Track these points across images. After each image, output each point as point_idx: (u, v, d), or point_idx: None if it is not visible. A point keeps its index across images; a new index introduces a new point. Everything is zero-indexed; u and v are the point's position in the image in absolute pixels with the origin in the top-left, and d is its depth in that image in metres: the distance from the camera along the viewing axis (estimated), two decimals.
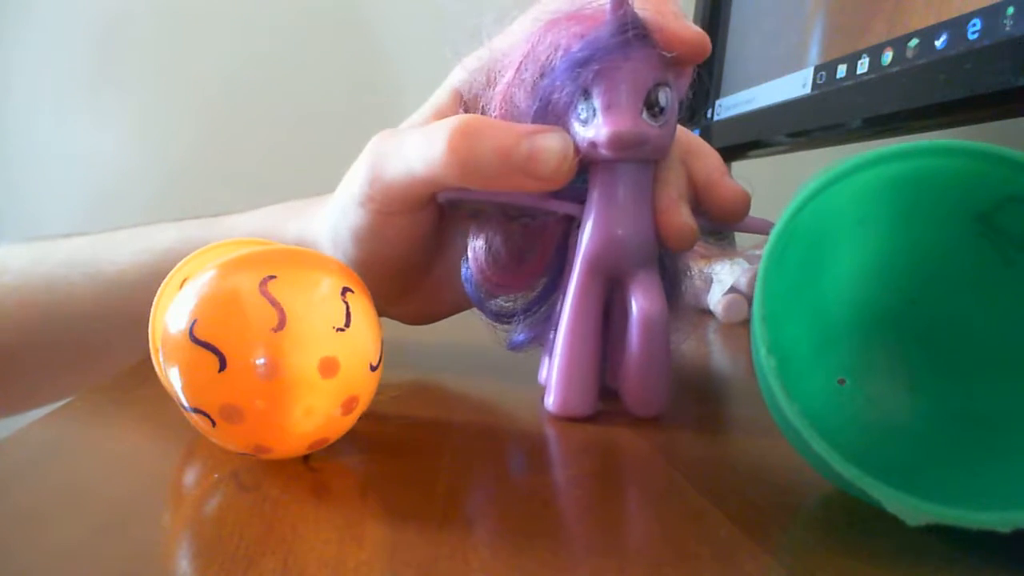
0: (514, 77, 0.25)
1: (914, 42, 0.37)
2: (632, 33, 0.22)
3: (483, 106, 0.27)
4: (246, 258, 0.20)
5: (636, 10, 0.22)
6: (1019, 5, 0.31)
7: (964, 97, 0.33)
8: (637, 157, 0.23)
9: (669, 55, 0.23)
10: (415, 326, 0.34)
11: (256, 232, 0.34)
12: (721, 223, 0.27)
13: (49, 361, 0.39)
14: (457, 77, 0.29)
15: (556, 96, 0.23)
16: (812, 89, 0.47)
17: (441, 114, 0.29)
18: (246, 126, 0.91)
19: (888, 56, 0.39)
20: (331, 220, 0.30)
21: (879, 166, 0.18)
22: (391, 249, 0.29)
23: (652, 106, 0.23)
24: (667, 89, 0.23)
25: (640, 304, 0.24)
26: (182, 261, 0.24)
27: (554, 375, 0.25)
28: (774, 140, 0.53)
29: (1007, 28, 0.31)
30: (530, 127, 0.23)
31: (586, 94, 0.23)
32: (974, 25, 0.33)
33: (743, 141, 0.56)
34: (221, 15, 0.90)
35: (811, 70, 0.47)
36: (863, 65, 0.41)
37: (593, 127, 0.23)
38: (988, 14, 0.32)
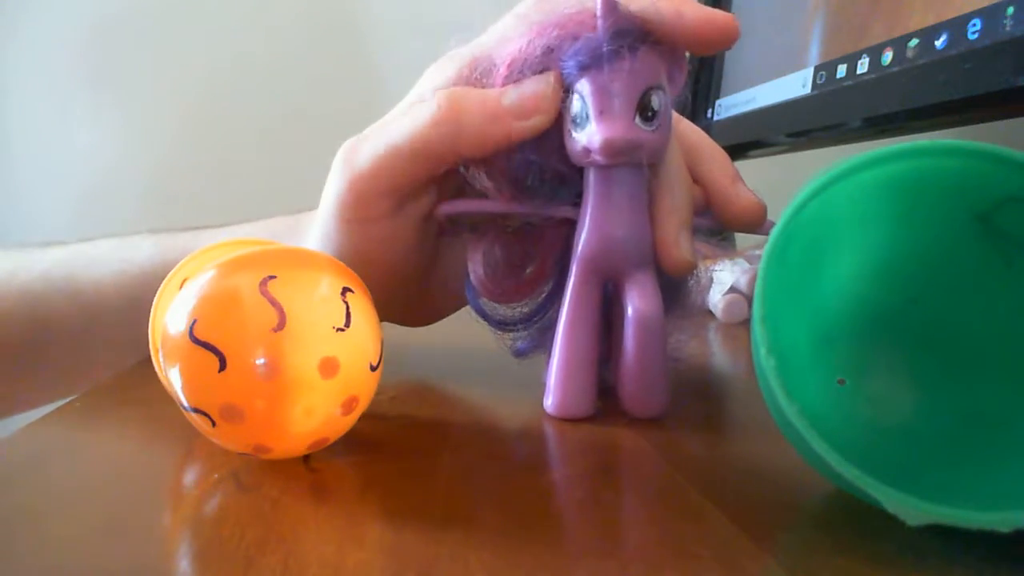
0: (505, 80, 0.25)
1: (914, 42, 0.37)
2: (626, 41, 0.22)
3: None
4: (246, 258, 0.20)
5: (632, 10, 0.22)
6: (1019, 5, 0.31)
7: (964, 97, 0.33)
8: (631, 162, 0.23)
9: (678, 50, 0.23)
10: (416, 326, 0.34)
11: None
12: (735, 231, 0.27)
13: (30, 374, 0.39)
14: (433, 79, 0.28)
15: None
16: (812, 89, 0.47)
17: None
18: (238, 125, 0.91)
19: (888, 56, 0.39)
20: (313, 246, 0.28)
21: (879, 166, 0.18)
22: (381, 269, 0.27)
23: (645, 111, 0.22)
24: (660, 93, 0.23)
25: (636, 305, 0.24)
26: (175, 261, 0.24)
27: (552, 376, 0.25)
28: (774, 140, 0.53)
29: (1007, 28, 0.31)
30: (510, 86, 0.24)
31: (580, 99, 0.23)
32: (974, 25, 0.33)
33: (743, 141, 0.56)
34: (213, 16, 0.91)
35: (811, 70, 0.47)
36: (863, 65, 0.41)
37: (586, 133, 0.23)
38: (988, 14, 0.32)
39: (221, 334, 0.18)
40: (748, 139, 0.55)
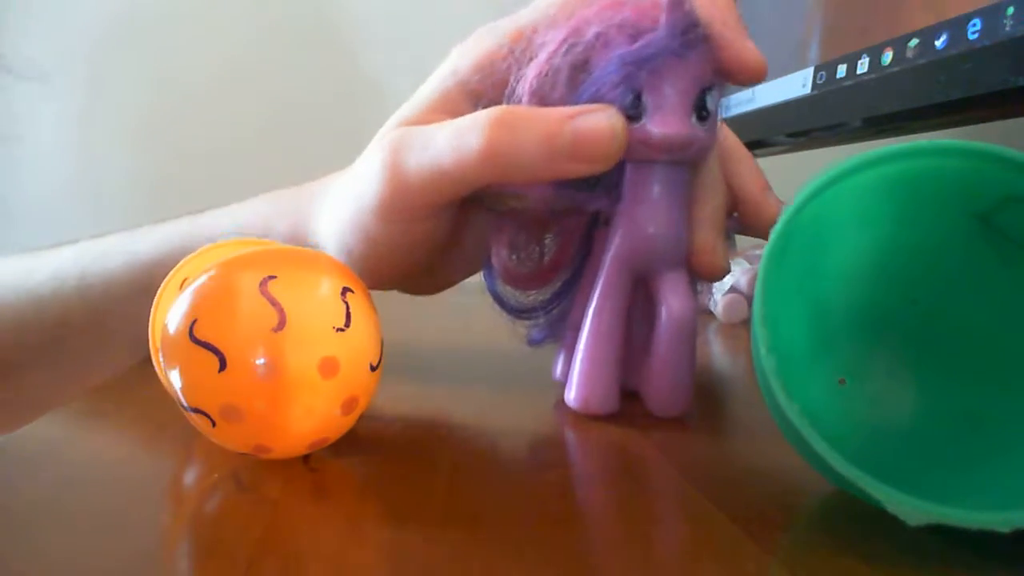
0: (547, 60, 0.23)
1: (914, 42, 0.37)
2: (691, 36, 0.22)
3: (512, 84, 0.24)
4: (246, 258, 0.20)
5: (695, 8, 0.22)
6: (1019, 5, 0.31)
7: (964, 97, 0.33)
8: (680, 159, 0.23)
9: (721, 71, 0.22)
10: (417, 327, 0.34)
11: (242, 231, 0.32)
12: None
13: (49, 376, 0.39)
14: (459, 62, 0.26)
15: (605, 94, 0.22)
16: (812, 89, 0.47)
17: (445, 104, 0.26)
18: (240, 126, 0.92)
19: (888, 56, 0.39)
20: (338, 228, 0.28)
21: (879, 166, 0.18)
22: (410, 256, 0.27)
23: (701, 110, 0.22)
24: (714, 93, 0.23)
25: (670, 304, 0.24)
26: (181, 262, 0.24)
27: (576, 371, 0.25)
28: (774, 140, 0.53)
29: (1007, 28, 0.31)
30: (570, 109, 0.22)
31: (635, 92, 0.22)
32: (974, 25, 0.33)
33: (743, 141, 0.56)
34: (215, 17, 0.91)
35: (811, 70, 0.47)
36: (863, 65, 0.41)
37: (642, 126, 0.22)
38: (988, 14, 0.32)
39: (221, 334, 0.18)
40: (748, 139, 0.55)
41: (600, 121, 0.22)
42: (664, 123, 0.22)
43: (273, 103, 0.91)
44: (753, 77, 0.23)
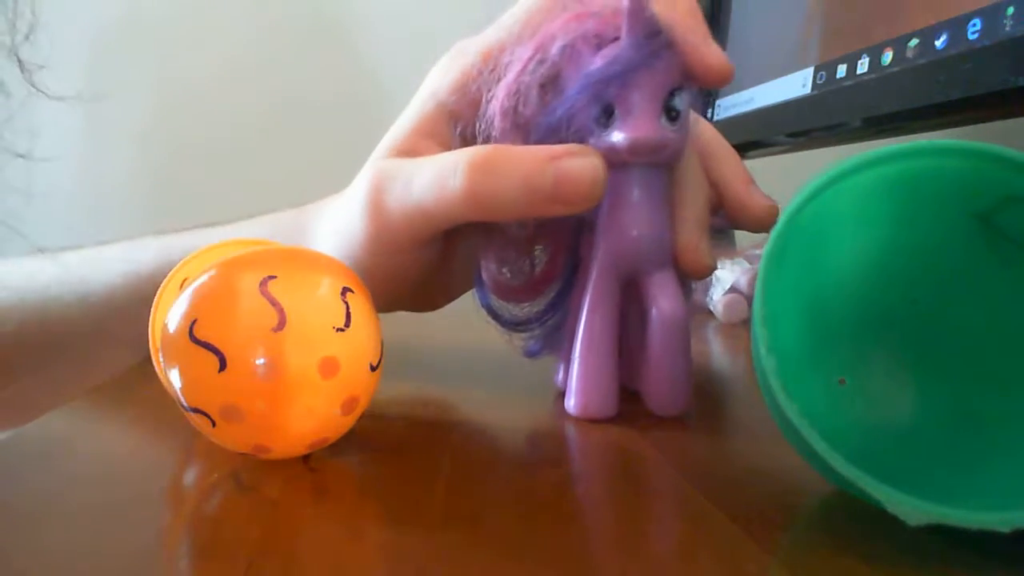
0: (516, 79, 0.24)
1: (914, 42, 0.37)
2: (656, 44, 0.22)
3: (484, 104, 0.25)
4: (246, 258, 0.20)
5: (656, 14, 0.22)
6: (1019, 5, 0.31)
7: (964, 97, 0.33)
8: (654, 161, 0.23)
9: (686, 74, 0.23)
10: (417, 326, 0.34)
11: None
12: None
13: (49, 377, 0.39)
14: (443, 76, 0.27)
15: (576, 113, 0.23)
16: (812, 89, 0.47)
17: (428, 128, 0.27)
18: (241, 125, 0.92)
19: (888, 56, 0.39)
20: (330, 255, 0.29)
21: (879, 166, 0.18)
22: (400, 282, 0.28)
23: (670, 111, 0.23)
24: (683, 93, 0.23)
25: (660, 304, 0.24)
26: (181, 262, 0.24)
27: (574, 378, 0.25)
28: (774, 140, 0.53)
29: (1007, 28, 0.31)
30: (553, 150, 0.22)
31: (603, 98, 0.22)
32: (974, 25, 0.33)
33: (743, 141, 0.56)
34: (216, 17, 0.91)
35: (811, 70, 0.47)
36: (863, 65, 0.41)
37: (612, 132, 0.22)
38: (988, 14, 0.32)
39: (221, 334, 0.18)
40: (748, 139, 0.55)
41: (581, 165, 0.22)
42: (635, 128, 0.22)
43: (274, 103, 0.92)
44: (718, 80, 0.23)
